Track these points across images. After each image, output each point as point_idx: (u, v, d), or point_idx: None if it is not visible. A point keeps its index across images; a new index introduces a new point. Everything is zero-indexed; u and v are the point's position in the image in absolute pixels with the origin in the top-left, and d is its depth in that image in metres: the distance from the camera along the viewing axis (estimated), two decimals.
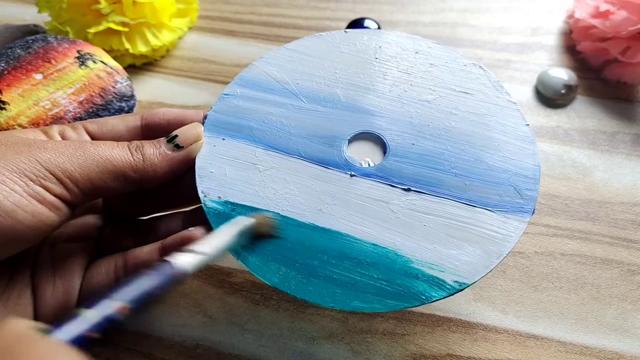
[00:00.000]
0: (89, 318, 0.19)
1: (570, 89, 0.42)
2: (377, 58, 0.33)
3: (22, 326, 0.17)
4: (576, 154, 0.39)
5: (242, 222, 0.25)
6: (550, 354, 0.31)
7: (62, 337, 0.18)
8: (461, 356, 0.31)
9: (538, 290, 0.33)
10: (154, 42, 0.45)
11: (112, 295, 0.20)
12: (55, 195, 0.24)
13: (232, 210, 0.27)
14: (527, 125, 0.29)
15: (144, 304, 0.21)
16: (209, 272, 0.34)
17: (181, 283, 0.22)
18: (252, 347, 0.31)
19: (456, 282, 0.25)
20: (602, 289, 0.33)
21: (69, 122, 0.37)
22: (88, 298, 0.27)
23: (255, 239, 0.26)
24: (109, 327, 0.19)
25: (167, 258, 0.23)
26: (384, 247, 0.26)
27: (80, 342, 0.18)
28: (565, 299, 0.33)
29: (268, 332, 0.32)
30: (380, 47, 0.33)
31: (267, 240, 0.26)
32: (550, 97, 0.42)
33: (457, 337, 0.31)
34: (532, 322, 0.32)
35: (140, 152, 0.27)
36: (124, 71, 0.41)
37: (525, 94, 0.43)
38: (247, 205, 0.27)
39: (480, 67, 0.32)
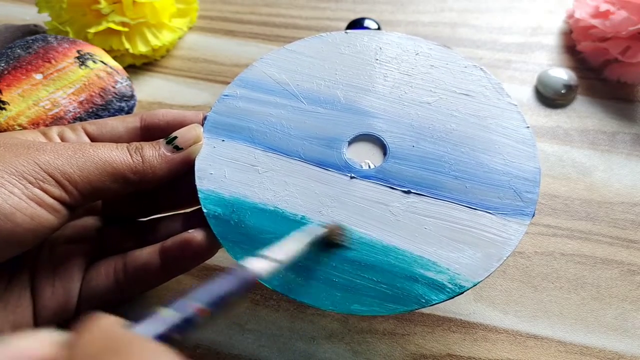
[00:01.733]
0: (169, 317, 0.19)
1: (570, 89, 0.41)
2: (377, 59, 0.32)
3: (113, 323, 0.17)
4: (576, 154, 0.39)
5: (314, 231, 0.25)
6: (550, 354, 0.31)
7: (145, 333, 0.18)
8: (461, 356, 0.31)
9: (538, 290, 0.33)
10: (154, 42, 0.44)
11: (191, 296, 0.20)
12: (54, 197, 0.24)
13: (231, 212, 0.27)
14: (528, 127, 0.29)
15: (220, 308, 0.20)
16: (209, 272, 0.34)
17: (253, 289, 0.22)
18: (252, 347, 0.31)
19: (456, 285, 0.25)
20: (602, 289, 0.33)
21: (68, 122, 0.37)
22: (88, 301, 0.27)
23: (326, 248, 0.26)
24: (187, 329, 0.19)
25: (242, 263, 0.22)
26: (384, 250, 0.26)
27: (161, 341, 0.18)
28: (565, 299, 0.33)
29: (268, 332, 0.32)
30: (380, 48, 0.33)
31: (336, 250, 0.26)
32: (550, 97, 0.42)
33: (457, 337, 0.31)
34: (532, 322, 0.32)
35: (140, 153, 0.27)
36: (124, 71, 0.41)
37: (525, 94, 0.43)
38: (246, 207, 0.27)
39: (481, 68, 0.32)
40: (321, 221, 0.27)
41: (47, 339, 0.16)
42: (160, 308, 0.19)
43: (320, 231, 0.25)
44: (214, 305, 0.20)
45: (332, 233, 0.26)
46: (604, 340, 0.31)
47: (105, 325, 0.17)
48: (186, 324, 0.19)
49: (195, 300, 0.20)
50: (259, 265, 0.22)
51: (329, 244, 0.26)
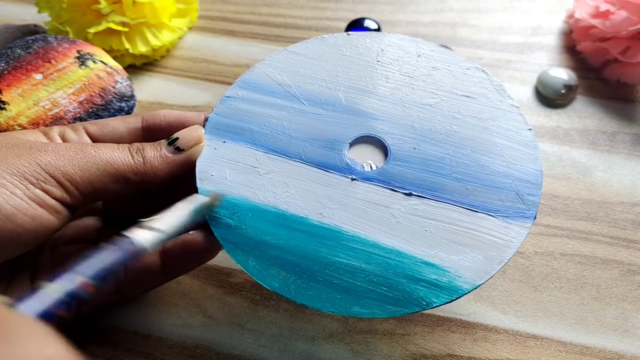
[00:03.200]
0: (54, 293, 0.18)
1: (570, 89, 0.42)
2: (379, 61, 0.32)
3: None
4: (576, 154, 0.39)
5: (197, 200, 0.26)
6: (550, 354, 0.31)
7: (29, 312, 0.17)
8: (461, 356, 0.31)
9: (538, 290, 0.33)
10: (154, 42, 0.44)
11: (73, 270, 0.19)
12: (55, 198, 0.24)
13: (232, 213, 0.27)
14: (530, 129, 0.29)
15: (104, 280, 0.20)
16: (208, 272, 0.34)
17: (138, 260, 0.22)
18: (252, 347, 0.31)
19: (457, 287, 0.25)
20: (602, 289, 0.33)
21: (68, 122, 0.37)
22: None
23: (209, 217, 0.26)
24: (74, 305, 0.19)
25: (125, 233, 0.22)
26: (384, 252, 0.26)
27: (47, 318, 0.18)
28: (565, 299, 0.33)
29: (268, 332, 0.32)
30: (382, 50, 0.33)
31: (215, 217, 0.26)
32: (550, 97, 0.42)
33: (457, 337, 0.32)
34: (532, 322, 0.32)
35: (141, 154, 0.27)
36: (124, 71, 0.41)
37: (525, 94, 0.43)
38: (247, 209, 0.27)
39: (482, 70, 0.32)
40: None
41: None
42: (44, 284, 0.19)
43: (202, 200, 0.26)
44: (99, 278, 0.20)
45: (213, 203, 0.26)
46: (604, 340, 0.31)
47: None
48: (71, 299, 0.19)
49: (79, 273, 0.19)
50: (143, 236, 0.22)
51: (210, 212, 0.26)
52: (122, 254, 0.21)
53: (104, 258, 0.21)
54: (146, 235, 0.22)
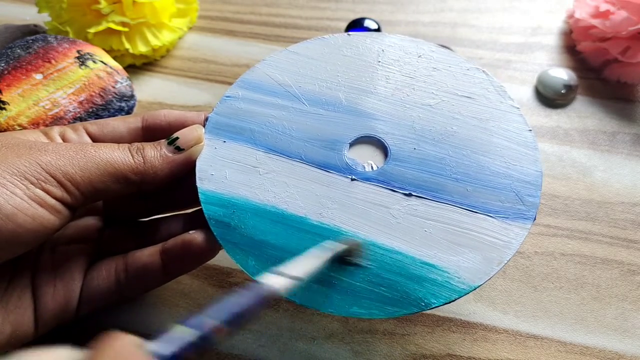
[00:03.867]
0: (185, 336, 0.18)
1: (570, 89, 0.42)
2: (379, 61, 0.32)
3: (129, 343, 0.17)
4: (576, 154, 0.39)
5: (333, 248, 0.25)
6: (550, 354, 0.31)
7: (158, 352, 0.17)
8: (461, 356, 0.31)
9: (538, 290, 0.33)
10: (154, 42, 0.44)
11: (207, 313, 0.19)
12: (55, 198, 0.24)
13: (232, 213, 0.27)
14: (530, 130, 0.29)
15: (236, 325, 0.20)
16: (208, 272, 0.34)
17: (270, 306, 0.22)
18: (252, 347, 0.31)
19: (456, 288, 0.25)
20: (602, 289, 0.33)
21: (69, 122, 0.37)
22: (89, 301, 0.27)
23: (343, 264, 0.26)
24: (203, 348, 0.18)
25: (259, 280, 0.22)
26: (384, 253, 0.26)
27: None
28: (565, 299, 0.33)
29: (268, 332, 0.32)
30: (383, 50, 0.33)
31: (355, 268, 0.26)
32: (550, 97, 0.42)
33: (457, 337, 0.32)
34: (532, 322, 0.32)
35: (141, 154, 0.27)
36: (124, 71, 0.41)
37: (525, 94, 0.43)
38: (247, 208, 0.27)
39: (483, 71, 0.32)
40: (339, 234, 0.26)
41: (63, 357, 0.16)
42: (176, 325, 0.18)
43: (339, 247, 0.25)
44: (230, 323, 0.20)
45: (350, 250, 0.26)
46: (604, 340, 0.31)
47: (122, 347, 0.17)
48: (202, 342, 0.18)
49: (211, 317, 0.19)
50: (277, 282, 0.22)
51: (346, 260, 0.26)
52: (256, 300, 0.21)
53: (237, 302, 0.20)
54: (281, 281, 0.22)
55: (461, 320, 0.32)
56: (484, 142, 0.29)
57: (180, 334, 0.18)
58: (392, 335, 0.32)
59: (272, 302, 0.22)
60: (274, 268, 0.23)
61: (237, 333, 0.20)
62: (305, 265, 0.24)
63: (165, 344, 0.17)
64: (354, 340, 0.32)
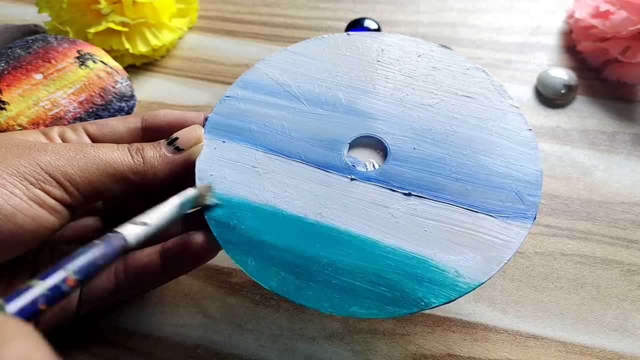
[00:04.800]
0: (38, 288, 0.19)
1: (570, 89, 0.41)
2: (379, 61, 0.32)
3: None
4: (576, 154, 0.39)
5: (185, 193, 0.26)
6: (550, 354, 0.31)
7: (13, 309, 0.18)
8: (461, 356, 0.31)
9: (538, 290, 0.33)
10: (154, 42, 0.44)
11: (60, 266, 0.20)
12: (55, 198, 0.24)
13: (231, 213, 0.27)
14: (530, 130, 0.29)
15: (89, 275, 0.21)
16: (209, 272, 0.34)
17: (124, 254, 0.23)
18: (252, 347, 0.31)
19: (456, 288, 0.25)
20: (602, 289, 0.33)
21: (68, 122, 0.37)
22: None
23: (197, 208, 0.26)
24: (56, 299, 0.19)
25: (114, 229, 0.23)
26: (383, 253, 0.26)
27: (28, 314, 0.18)
28: (565, 299, 0.33)
29: (268, 332, 0.32)
30: (382, 50, 0.33)
31: (206, 210, 0.27)
32: (550, 97, 0.42)
33: (457, 337, 0.32)
34: (532, 322, 0.32)
35: (141, 154, 0.27)
36: (124, 71, 0.41)
37: (525, 94, 0.43)
38: (246, 209, 0.27)
39: (483, 70, 0.32)
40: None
41: None
42: (32, 280, 0.19)
43: (191, 192, 0.26)
44: (83, 274, 0.20)
45: (202, 194, 0.26)
46: (604, 340, 0.31)
47: None
48: (55, 294, 0.19)
49: (64, 269, 0.20)
50: (130, 231, 0.23)
51: (199, 205, 0.26)
52: (108, 249, 0.21)
53: (90, 253, 0.21)
54: (134, 230, 0.23)
55: (461, 320, 0.32)
56: (484, 142, 0.29)
57: (33, 288, 0.19)
58: (392, 335, 0.32)
59: (126, 250, 0.22)
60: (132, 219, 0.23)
61: (89, 282, 0.21)
62: (157, 212, 0.24)
63: (19, 299, 0.18)
64: (354, 340, 0.32)
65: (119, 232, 0.22)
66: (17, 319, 0.17)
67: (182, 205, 0.25)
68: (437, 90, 0.31)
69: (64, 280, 0.20)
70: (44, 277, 0.19)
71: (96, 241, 0.22)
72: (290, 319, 0.32)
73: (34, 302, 0.18)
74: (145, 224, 0.23)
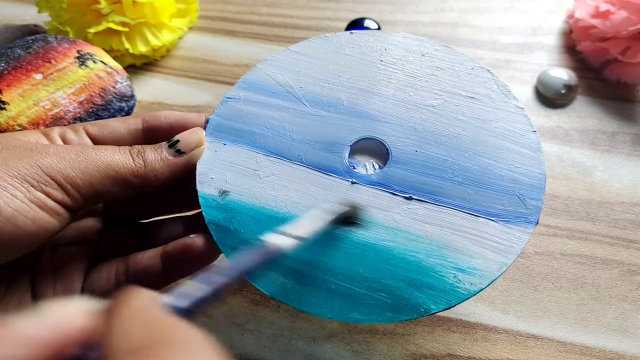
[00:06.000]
0: (196, 291, 0.19)
1: (570, 89, 0.42)
2: (382, 61, 0.32)
3: (149, 299, 0.17)
4: (576, 154, 0.39)
5: (333, 209, 0.25)
6: (550, 354, 0.31)
7: (176, 308, 0.18)
8: (461, 356, 0.31)
9: (538, 290, 0.33)
10: (154, 42, 0.44)
11: (216, 270, 0.20)
12: (56, 201, 0.24)
13: (231, 217, 0.27)
14: (535, 131, 0.28)
15: (240, 282, 0.21)
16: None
17: (273, 263, 0.23)
18: (252, 347, 0.31)
19: (456, 293, 0.24)
20: (602, 289, 0.33)
21: (68, 122, 0.37)
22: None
23: (343, 226, 0.26)
24: (209, 303, 0.19)
25: (263, 239, 0.23)
26: (383, 257, 0.25)
27: (185, 315, 0.18)
28: (565, 299, 0.33)
29: (268, 332, 0.32)
30: (385, 49, 0.32)
31: (353, 229, 0.26)
32: (550, 97, 0.42)
33: (457, 337, 0.32)
34: (532, 322, 0.32)
35: (142, 157, 0.26)
36: (124, 71, 0.41)
37: (525, 94, 0.43)
38: (246, 213, 0.27)
39: (487, 70, 0.31)
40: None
41: (82, 308, 0.16)
42: (188, 282, 0.19)
43: (340, 209, 0.25)
44: (237, 279, 0.20)
45: (351, 212, 0.26)
46: (604, 340, 0.31)
47: (140, 299, 0.17)
48: (212, 298, 0.19)
49: (220, 274, 0.20)
50: (282, 242, 0.22)
51: (346, 222, 0.26)
52: (260, 258, 0.22)
53: (244, 261, 0.21)
54: (285, 241, 0.23)
55: (461, 320, 0.32)
56: (487, 144, 0.28)
57: (193, 289, 0.19)
58: (392, 335, 0.32)
59: (277, 258, 0.22)
60: (277, 228, 0.23)
61: (241, 288, 0.21)
62: (308, 225, 0.24)
63: (179, 298, 0.18)
64: (354, 340, 0.32)
65: (269, 242, 0.22)
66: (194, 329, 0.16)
67: (331, 221, 0.25)
68: (441, 91, 0.30)
69: (224, 286, 0.20)
70: (202, 281, 0.19)
71: (254, 251, 0.22)
72: (290, 319, 0.32)
73: (192, 304, 0.18)
74: (296, 236, 0.23)
